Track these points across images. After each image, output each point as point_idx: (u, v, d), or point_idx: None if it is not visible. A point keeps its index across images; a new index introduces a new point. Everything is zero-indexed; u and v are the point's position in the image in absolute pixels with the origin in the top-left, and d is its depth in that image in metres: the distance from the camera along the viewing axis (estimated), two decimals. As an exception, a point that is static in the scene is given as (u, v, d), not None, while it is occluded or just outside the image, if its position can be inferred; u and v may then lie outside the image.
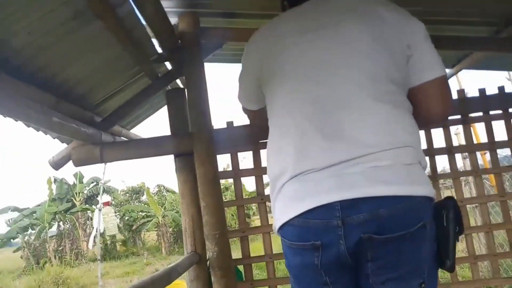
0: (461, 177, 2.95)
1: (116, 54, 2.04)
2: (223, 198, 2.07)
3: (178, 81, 2.84)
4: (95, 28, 1.78)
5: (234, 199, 2.38)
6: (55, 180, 17.68)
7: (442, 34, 2.47)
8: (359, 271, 1.04)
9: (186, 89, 2.18)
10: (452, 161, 2.40)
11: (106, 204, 9.51)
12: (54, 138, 2.33)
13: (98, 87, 2.22)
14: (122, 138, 2.72)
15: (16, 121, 1.71)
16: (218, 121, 2.59)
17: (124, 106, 2.35)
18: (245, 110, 1.50)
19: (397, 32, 1.09)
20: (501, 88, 2.41)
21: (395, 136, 1.01)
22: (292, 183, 1.04)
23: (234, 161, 2.32)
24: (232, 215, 13.96)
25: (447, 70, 3.16)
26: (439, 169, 2.41)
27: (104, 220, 9.02)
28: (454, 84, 7.28)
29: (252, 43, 1.31)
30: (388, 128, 1.01)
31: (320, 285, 1.06)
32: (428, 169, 2.47)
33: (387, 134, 1.00)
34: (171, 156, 2.24)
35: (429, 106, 1.16)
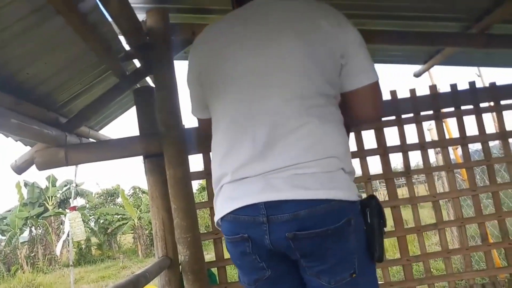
0: (434, 172, 2.98)
1: (80, 52, 1.95)
2: (201, 198, 2.01)
3: (148, 79, 2.75)
4: (56, 24, 1.69)
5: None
6: (25, 184, 17.15)
7: (413, 30, 2.48)
8: (299, 266, 1.17)
9: (155, 87, 2.11)
10: (425, 157, 2.41)
11: (72, 208, 9.21)
12: (16, 141, 2.21)
13: (62, 86, 2.12)
14: (90, 139, 2.63)
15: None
16: (190, 120, 2.54)
17: (90, 106, 2.25)
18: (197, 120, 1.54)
19: (332, 43, 1.15)
20: (472, 84, 2.44)
21: (319, 149, 1.10)
22: (230, 185, 1.16)
23: (206, 161, 2.26)
24: (209, 215, 13.85)
25: (419, 66, 3.20)
26: (413, 164, 2.43)
27: (71, 226, 8.74)
28: (426, 80, 7.42)
29: (192, 50, 1.35)
30: (313, 142, 1.10)
31: (259, 270, 1.18)
32: (400, 165, 2.50)
33: (311, 148, 1.09)
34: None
35: (362, 109, 1.24)
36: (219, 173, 1.20)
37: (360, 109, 1.24)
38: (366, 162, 2.38)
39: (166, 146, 1.99)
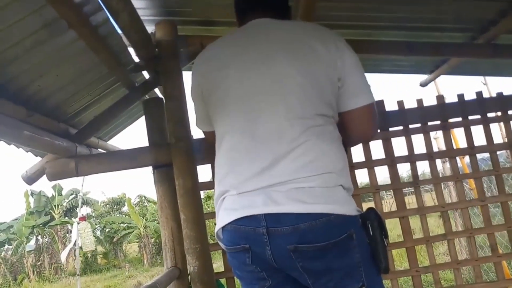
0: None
1: (90, 64, 1.98)
2: (206, 207, 2.02)
3: (157, 90, 2.78)
4: (67, 38, 1.72)
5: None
6: (32, 193, 17.24)
7: (419, 40, 2.49)
8: (301, 281, 1.18)
9: (164, 99, 2.13)
10: (433, 167, 2.41)
11: (82, 219, 9.23)
12: (27, 151, 2.24)
13: (73, 98, 2.15)
14: (99, 150, 2.65)
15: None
16: (198, 131, 2.55)
17: (100, 117, 2.28)
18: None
19: (329, 67, 1.20)
20: (479, 93, 2.44)
21: (317, 165, 1.13)
22: (231, 197, 1.19)
23: (214, 171, 2.27)
24: (215, 224, 13.80)
25: (426, 76, 3.20)
26: (419, 171, 2.43)
27: (81, 236, 8.76)
28: (432, 89, 7.42)
29: (194, 68, 1.39)
30: (312, 158, 1.14)
31: (260, 280, 1.20)
32: (409, 174, 2.49)
33: (310, 163, 1.13)
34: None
35: (358, 129, 1.31)
36: (222, 189, 1.23)
37: (356, 129, 1.30)
38: (374, 172, 2.38)
39: (175, 156, 2.01)
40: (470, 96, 2.45)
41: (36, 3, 1.45)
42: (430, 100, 2.46)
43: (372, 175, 2.38)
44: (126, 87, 2.31)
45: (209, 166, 2.33)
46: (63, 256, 10.73)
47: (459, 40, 2.53)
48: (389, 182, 2.44)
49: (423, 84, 3.23)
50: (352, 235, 1.11)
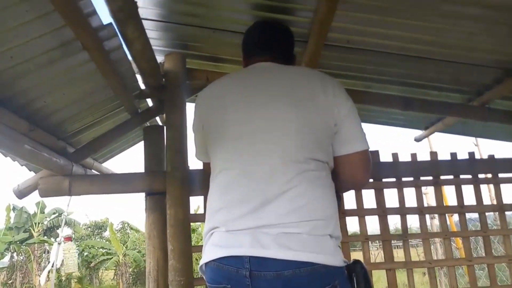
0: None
1: (97, 86, 2.02)
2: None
3: (157, 118, 2.82)
4: (79, 59, 1.77)
5: (201, 243, 2.30)
6: (14, 208, 16.89)
7: (417, 96, 2.57)
8: None
9: (165, 127, 2.16)
10: (422, 222, 2.43)
11: (68, 239, 9.03)
12: (22, 165, 2.24)
13: (75, 117, 2.17)
14: (93, 171, 2.65)
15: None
16: (195, 162, 2.58)
17: (99, 138, 2.31)
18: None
19: (326, 114, 1.24)
20: (471, 154, 2.50)
21: (306, 211, 1.14)
22: (220, 233, 1.20)
23: (207, 205, 2.27)
24: (196, 259, 13.51)
25: (420, 132, 3.28)
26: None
27: (65, 256, 8.53)
28: (425, 144, 7.55)
29: (197, 102, 1.44)
30: (302, 204, 1.15)
31: None
32: (395, 228, 2.51)
33: (299, 209, 1.14)
34: (138, 194, 2.19)
35: (351, 174, 1.32)
36: (211, 225, 1.24)
37: (349, 174, 1.32)
38: (364, 221, 2.39)
39: (170, 185, 2.02)
40: (462, 155, 2.52)
41: (57, 23, 1.51)
42: (423, 155, 2.52)
43: (362, 223, 2.39)
44: (128, 112, 2.34)
45: (199, 198, 2.33)
46: (43, 278, 10.37)
47: (456, 100, 2.61)
48: (376, 233, 2.45)
49: (418, 139, 3.30)
50: (336, 286, 1.11)
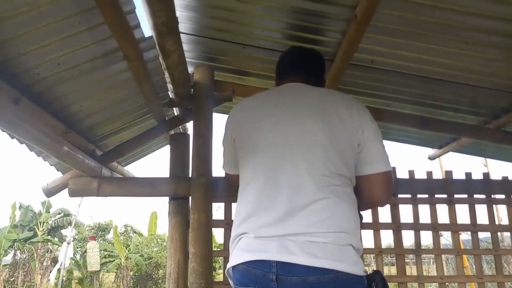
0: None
1: (130, 93, 2.12)
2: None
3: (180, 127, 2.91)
4: (117, 67, 1.87)
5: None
6: (20, 206, 17.01)
7: (434, 117, 2.64)
8: None
9: (191, 135, 2.25)
10: (435, 238, 2.49)
11: (92, 238, 9.18)
12: (51, 165, 2.33)
13: (106, 121, 2.27)
14: (116, 174, 2.74)
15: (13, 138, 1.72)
16: (218, 170, 2.67)
17: (127, 143, 2.40)
18: (226, 173, 1.69)
19: (351, 134, 1.32)
20: (486, 175, 2.57)
21: (332, 222, 1.21)
22: (248, 239, 1.27)
23: (227, 210, 2.36)
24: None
25: (434, 151, 3.35)
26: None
27: (88, 255, 8.66)
28: (436, 162, 7.58)
29: (230, 116, 1.53)
30: (328, 216, 1.21)
31: None
32: (412, 243, 2.58)
33: (326, 220, 1.21)
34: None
35: (373, 193, 1.37)
36: (239, 231, 1.30)
37: (371, 194, 1.37)
38: (379, 235, 2.46)
39: (194, 190, 2.10)
40: (475, 175, 2.58)
41: (103, 34, 1.61)
42: (437, 173, 2.59)
43: (377, 237, 2.46)
44: (156, 119, 2.44)
45: (220, 204, 2.41)
46: (52, 279, 10.44)
47: (472, 122, 2.68)
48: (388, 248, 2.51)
49: (432, 158, 3.36)
50: None
